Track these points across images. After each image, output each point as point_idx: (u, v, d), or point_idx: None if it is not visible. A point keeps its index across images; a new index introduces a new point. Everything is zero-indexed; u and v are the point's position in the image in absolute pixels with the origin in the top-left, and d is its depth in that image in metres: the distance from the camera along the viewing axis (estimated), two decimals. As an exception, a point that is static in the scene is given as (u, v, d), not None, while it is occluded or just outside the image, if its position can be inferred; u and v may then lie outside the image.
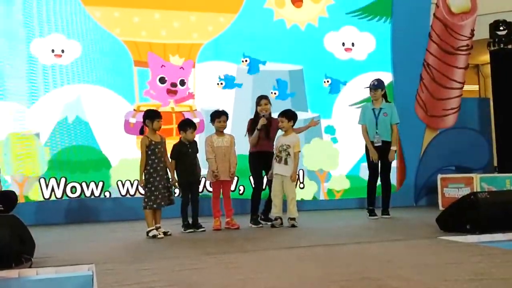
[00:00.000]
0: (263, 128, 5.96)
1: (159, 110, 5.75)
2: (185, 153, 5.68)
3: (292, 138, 5.80)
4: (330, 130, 8.47)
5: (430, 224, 5.30)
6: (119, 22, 7.68)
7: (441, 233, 4.78)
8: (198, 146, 5.89)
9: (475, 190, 7.03)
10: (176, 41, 7.89)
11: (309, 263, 3.51)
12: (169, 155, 5.58)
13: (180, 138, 5.76)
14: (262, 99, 6.10)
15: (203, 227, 5.63)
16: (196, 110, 7.83)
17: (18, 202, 5.71)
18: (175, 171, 5.58)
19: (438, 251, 3.86)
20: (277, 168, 5.78)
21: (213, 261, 3.64)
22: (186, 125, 5.75)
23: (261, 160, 6.01)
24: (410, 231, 5.17)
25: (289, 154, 5.71)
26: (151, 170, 5.25)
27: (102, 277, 3.11)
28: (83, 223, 7.04)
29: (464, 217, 4.70)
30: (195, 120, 6.65)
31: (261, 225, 5.91)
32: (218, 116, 5.85)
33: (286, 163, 5.71)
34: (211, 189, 6.11)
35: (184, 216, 5.64)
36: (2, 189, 5.68)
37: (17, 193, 6.14)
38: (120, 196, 7.42)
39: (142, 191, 5.58)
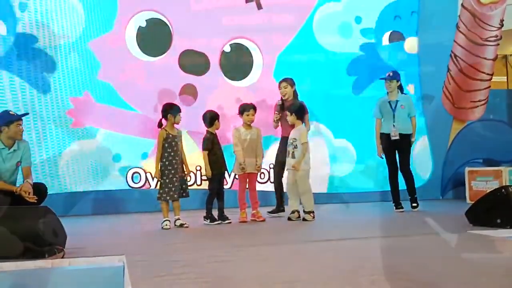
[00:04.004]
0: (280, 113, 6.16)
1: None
2: (217, 143, 5.72)
3: (298, 131, 5.71)
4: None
5: (458, 217, 5.21)
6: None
7: (470, 227, 4.71)
8: None
9: (504, 184, 6.91)
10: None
11: (337, 257, 3.50)
12: (201, 147, 5.64)
13: (208, 130, 5.76)
14: (280, 82, 6.31)
15: (229, 219, 5.65)
16: None
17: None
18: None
19: (469, 245, 3.81)
20: (288, 162, 5.76)
21: (241, 253, 3.66)
22: (215, 117, 5.75)
23: (285, 146, 5.94)
24: (438, 225, 5.10)
25: (296, 147, 5.65)
26: (167, 163, 5.31)
27: (133, 268, 3.14)
28: (109, 214, 7.14)
29: (494, 211, 4.62)
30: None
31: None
32: (247, 110, 5.83)
33: (293, 156, 5.67)
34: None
35: (209, 208, 5.64)
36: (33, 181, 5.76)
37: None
38: (149, 187, 7.43)
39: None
